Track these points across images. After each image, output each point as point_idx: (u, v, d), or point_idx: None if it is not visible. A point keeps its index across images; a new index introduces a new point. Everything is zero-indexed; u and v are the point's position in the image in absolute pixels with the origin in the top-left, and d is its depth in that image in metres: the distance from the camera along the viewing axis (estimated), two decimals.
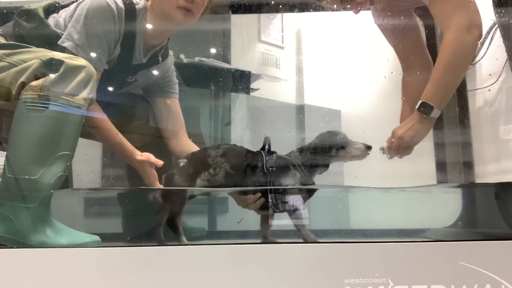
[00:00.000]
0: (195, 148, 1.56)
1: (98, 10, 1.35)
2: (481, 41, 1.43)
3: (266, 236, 1.27)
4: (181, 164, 1.31)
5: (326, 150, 1.27)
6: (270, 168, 1.24)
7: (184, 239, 1.25)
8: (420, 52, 1.52)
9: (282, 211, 1.25)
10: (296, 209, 1.25)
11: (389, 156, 1.37)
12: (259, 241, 1.27)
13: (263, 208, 1.25)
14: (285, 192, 1.25)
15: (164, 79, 1.63)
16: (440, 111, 1.28)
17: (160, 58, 1.57)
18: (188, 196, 1.34)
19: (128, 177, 1.67)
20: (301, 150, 1.29)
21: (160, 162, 1.36)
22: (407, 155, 1.37)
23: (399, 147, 1.33)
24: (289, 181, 1.24)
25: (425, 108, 1.28)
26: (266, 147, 1.29)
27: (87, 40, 1.32)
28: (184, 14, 1.41)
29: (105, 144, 1.35)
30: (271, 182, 1.24)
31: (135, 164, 1.38)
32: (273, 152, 1.28)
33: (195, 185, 1.27)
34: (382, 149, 1.35)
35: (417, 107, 1.29)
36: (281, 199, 1.25)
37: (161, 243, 1.26)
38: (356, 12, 1.43)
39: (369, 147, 1.27)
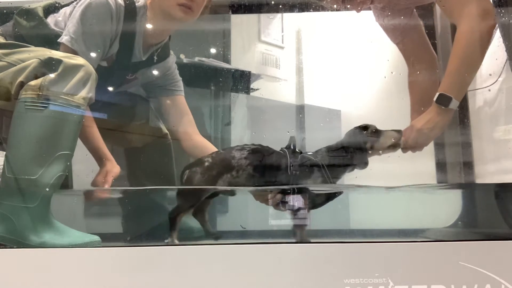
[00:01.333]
0: (208, 145, 1.55)
1: (97, 6, 1.35)
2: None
3: (301, 235, 1.25)
4: (206, 163, 1.29)
5: (359, 147, 1.26)
6: (293, 169, 1.23)
7: (175, 239, 1.23)
8: (425, 49, 1.52)
9: (298, 210, 1.25)
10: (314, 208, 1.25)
11: (403, 150, 1.35)
12: (259, 241, 1.27)
13: (281, 204, 1.25)
14: (306, 191, 1.25)
15: (166, 77, 1.63)
16: (458, 102, 1.27)
17: (160, 57, 1.57)
18: (208, 195, 1.34)
19: (128, 177, 1.67)
20: (329, 149, 1.28)
21: (106, 184, 1.35)
22: (420, 150, 1.35)
23: (417, 140, 1.31)
24: (311, 181, 1.24)
25: (444, 100, 1.26)
26: (291, 146, 1.28)
27: (82, 34, 1.33)
28: (184, 11, 1.41)
29: (84, 142, 1.36)
30: (294, 182, 1.23)
31: (100, 162, 1.38)
32: (299, 152, 1.27)
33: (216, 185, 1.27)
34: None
35: (435, 99, 1.28)
36: (301, 198, 1.24)
37: (158, 244, 1.26)
38: (358, 10, 1.42)
39: (400, 132, 1.27)
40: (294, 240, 1.24)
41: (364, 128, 1.29)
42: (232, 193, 1.40)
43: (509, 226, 1.40)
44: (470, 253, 0.97)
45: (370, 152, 1.27)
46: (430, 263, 0.98)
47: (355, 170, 1.28)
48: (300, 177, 1.24)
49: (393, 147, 1.28)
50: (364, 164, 1.27)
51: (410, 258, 0.99)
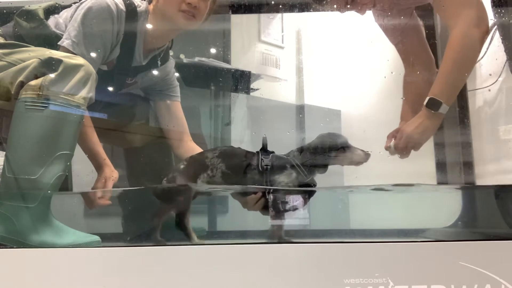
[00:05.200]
0: (199, 151, 1.56)
1: (98, 10, 1.35)
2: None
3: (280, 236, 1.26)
4: (181, 166, 1.33)
5: (326, 151, 1.26)
6: (265, 167, 1.24)
7: (195, 238, 1.26)
8: (422, 50, 1.52)
9: (283, 212, 1.25)
10: (296, 209, 1.25)
11: (398, 155, 1.35)
12: (259, 241, 1.27)
13: (266, 208, 1.26)
14: (283, 192, 1.25)
15: (164, 81, 1.63)
16: (448, 107, 1.27)
17: (160, 62, 1.57)
18: (192, 195, 1.35)
19: (128, 177, 1.67)
20: (301, 149, 1.29)
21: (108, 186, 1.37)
22: (407, 156, 1.36)
23: (407, 145, 1.32)
24: (284, 180, 1.25)
25: (434, 104, 1.27)
26: (264, 147, 1.29)
27: (83, 38, 1.32)
28: (186, 18, 1.41)
29: (82, 146, 1.37)
30: (267, 182, 1.24)
31: (99, 168, 1.39)
32: (270, 152, 1.28)
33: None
34: (389, 147, 1.34)
35: (425, 103, 1.28)
36: (280, 199, 1.25)
37: (158, 244, 1.27)
38: (362, 13, 1.42)
39: (368, 155, 1.27)
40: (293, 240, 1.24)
41: (336, 136, 1.29)
42: (208, 193, 1.42)
43: (509, 226, 1.40)
44: (470, 253, 0.97)
45: (333, 159, 1.27)
46: (430, 263, 0.98)
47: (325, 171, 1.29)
48: (273, 176, 1.25)
49: (356, 164, 1.27)
50: (323, 167, 1.27)
51: (410, 258, 0.99)
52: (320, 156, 1.26)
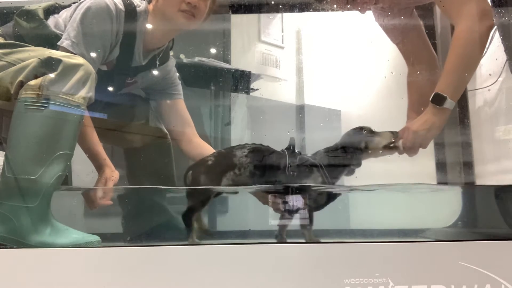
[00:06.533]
0: (208, 148, 1.56)
1: (97, 10, 1.35)
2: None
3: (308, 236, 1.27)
4: (209, 162, 1.33)
5: (355, 147, 1.26)
6: (292, 168, 1.25)
7: (194, 238, 1.26)
8: (425, 49, 1.52)
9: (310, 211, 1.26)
10: (317, 210, 1.26)
11: (400, 152, 1.35)
12: (259, 241, 1.27)
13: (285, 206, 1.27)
14: (308, 191, 1.26)
15: (165, 81, 1.63)
16: (454, 102, 1.26)
17: (160, 61, 1.57)
18: (213, 194, 1.36)
19: (128, 178, 1.67)
20: (327, 150, 1.30)
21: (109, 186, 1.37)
22: (416, 153, 1.36)
23: (414, 141, 1.31)
24: (310, 181, 1.25)
25: (438, 99, 1.26)
26: (291, 147, 1.30)
27: (82, 38, 1.32)
28: (186, 18, 1.41)
29: (82, 147, 1.37)
30: (293, 182, 1.25)
31: (99, 168, 1.39)
32: (297, 153, 1.29)
33: (221, 184, 1.30)
34: (397, 146, 1.34)
35: (430, 99, 1.28)
36: (303, 199, 1.26)
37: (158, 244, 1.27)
38: (363, 12, 1.42)
39: (395, 133, 1.27)
40: (294, 240, 1.24)
41: (360, 129, 1.30)
42: (235, 191, 1.42)
43: (509, 226, 1.40)
44: (470, 253, 0.97)
45: (367, 153, 1.28)
46: (430, 263, 0.98)
47: (354, 172, 1.30)
48: (299, 177, 1.25)
49: (390, 148, 1.28)
50: (358, 164, 1.29)
51: (410, 258, 0.99)
52: (351, 152, 1.26)
